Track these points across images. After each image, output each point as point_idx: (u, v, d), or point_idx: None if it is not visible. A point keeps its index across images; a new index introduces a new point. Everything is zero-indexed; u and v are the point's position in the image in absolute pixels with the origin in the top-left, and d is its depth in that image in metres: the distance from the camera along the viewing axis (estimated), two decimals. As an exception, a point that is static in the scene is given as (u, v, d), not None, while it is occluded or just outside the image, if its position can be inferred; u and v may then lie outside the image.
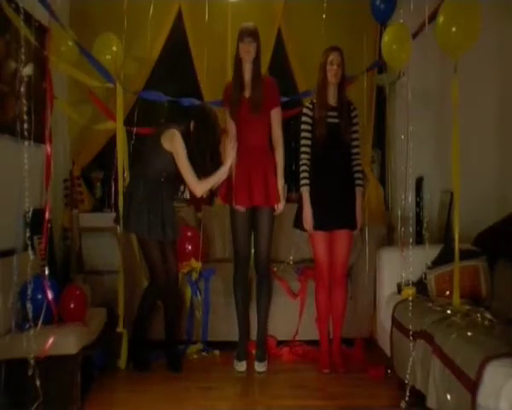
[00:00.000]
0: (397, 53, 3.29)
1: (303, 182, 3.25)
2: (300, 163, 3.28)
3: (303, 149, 3.28)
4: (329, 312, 3.39)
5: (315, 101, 3.29)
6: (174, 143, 3.18)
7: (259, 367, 3.32)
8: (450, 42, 2.64)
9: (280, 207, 3.28)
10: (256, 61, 3.22)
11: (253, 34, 3.17)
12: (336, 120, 3.23)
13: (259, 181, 3.22)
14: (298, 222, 3.34)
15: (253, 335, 3.60)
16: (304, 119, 3.29)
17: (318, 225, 3.23)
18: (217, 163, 3.30)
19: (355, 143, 3.30)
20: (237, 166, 3.27)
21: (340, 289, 3.34)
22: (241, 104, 3.24)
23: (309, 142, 3.26)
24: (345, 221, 3.26)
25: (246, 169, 3.24)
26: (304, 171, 3.26)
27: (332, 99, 3.27)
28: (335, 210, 3.23)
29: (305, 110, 3.31)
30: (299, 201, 3.31)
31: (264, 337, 3.43)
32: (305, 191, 3.24)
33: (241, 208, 3.25)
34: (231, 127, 3.33)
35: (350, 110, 3.29)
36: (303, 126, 3.29)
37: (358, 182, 3.30)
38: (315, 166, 3.26)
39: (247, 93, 3.25)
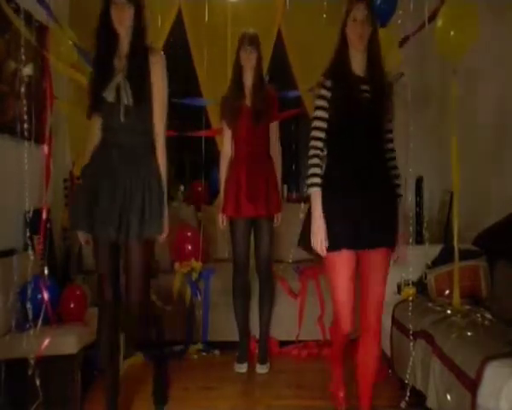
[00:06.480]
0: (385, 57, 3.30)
1: (313, 181, 2.17)
2: (310, 153, 2.19)
3: (315, 133, 2.19)
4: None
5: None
6: None
7: (261, 369, 3.30)
8: (448, 45, 2.64)
9: (279, 219, 3.24)
10: (257, 69, 3.16)
11: (254, 42, 3.11)
12: (368, 95, 2.19)
13: (261, 191, 3.14)
14: (305, 240, 2.29)
15: (251, 333, 3.62)
16: (319, 100, 2.21)
17: (343, 242, 2.17)
18: None
19: (390, 135, 2.30)
20: (238, 175, 3.17)
21: (372, 342, 2.28)
22: (242, 113, 3.15)
23: (324, 125, 2.19)
24: (381, 237, 2.20)
25: (248, 178, 3.14)
26: (315, 165, 2.18)
27: (358, 68, 2.24)
28: (368, 223, 2.15)
29: (321, 91, 2.20)
30: (309, 213, 2.26)
31: (267, 340, 3.41)
32: (317, 192, 2.17)
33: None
34: (227, 138, 3.25)
35: (386, 85, 2.25)
36: (318, 103, 2.21)
37: (398, 191, 2.30)
38: (336, 162, 2.24)
39: (248, 101, 3.17)
